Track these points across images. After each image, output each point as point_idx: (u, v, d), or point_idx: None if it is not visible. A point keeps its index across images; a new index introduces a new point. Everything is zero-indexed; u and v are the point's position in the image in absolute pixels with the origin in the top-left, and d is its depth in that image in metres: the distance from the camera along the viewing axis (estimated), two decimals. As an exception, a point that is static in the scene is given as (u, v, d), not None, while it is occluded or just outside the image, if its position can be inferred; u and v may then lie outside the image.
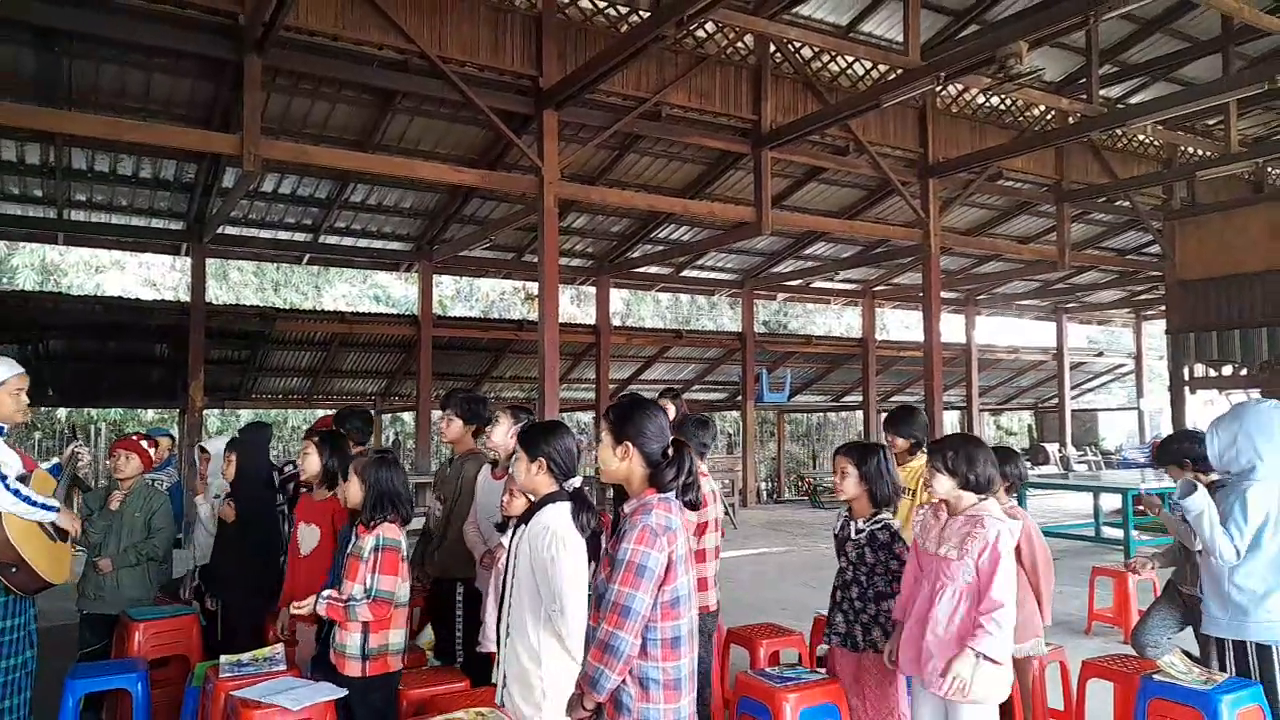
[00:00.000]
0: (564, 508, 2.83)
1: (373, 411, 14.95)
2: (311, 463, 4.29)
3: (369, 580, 3.41)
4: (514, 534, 3.04)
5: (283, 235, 12.09)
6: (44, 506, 3.87)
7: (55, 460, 4.60)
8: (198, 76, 8.32)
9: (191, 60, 7.96)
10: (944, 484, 3.31)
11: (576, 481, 2.92)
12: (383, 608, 3.39)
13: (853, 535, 3.72)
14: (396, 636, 3.46)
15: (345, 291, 22.44)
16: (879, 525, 3.67)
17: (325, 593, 3.43)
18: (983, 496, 3.29)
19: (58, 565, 3.98)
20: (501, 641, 2.96)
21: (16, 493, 3.74)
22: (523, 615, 2.86)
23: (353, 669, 3.35)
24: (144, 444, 5.06)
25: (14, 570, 3.76)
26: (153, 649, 4.43)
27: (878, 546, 3.64)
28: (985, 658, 3.06)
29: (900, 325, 26.34)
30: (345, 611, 3.37)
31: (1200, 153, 12.92)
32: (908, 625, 3.34)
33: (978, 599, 3.16)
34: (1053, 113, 11.85)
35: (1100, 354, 23.11)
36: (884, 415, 5.00)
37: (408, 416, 17.48)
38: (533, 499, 3.06)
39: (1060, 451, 19.14)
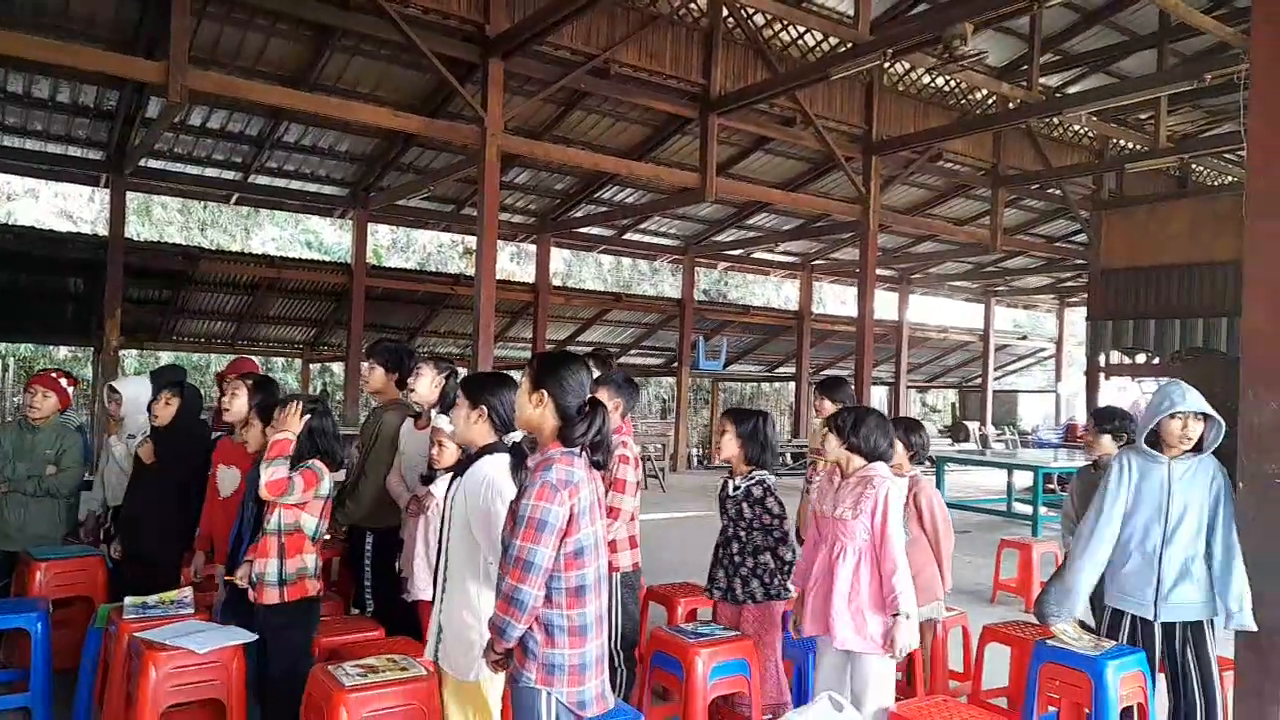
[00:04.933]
0: (502, 459, 2.83)
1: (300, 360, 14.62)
2: (239, 404, 4.20)
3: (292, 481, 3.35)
4: (449, 486, 3.01)
5: (210, 172, 11.61)
6: None
7: None
8: (121, -4, 7.88)
9: (115, -21, 7.53)
10: (832, 444, 3.48)
11: (516, 436, 2.89)
12: (311, 475, 3.36)
13: (730, 492, 3.96)
14: (310, 560, 3.42)
15: (275, 235, 21.73)
16: (753, 481, 3.91)
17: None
18: (872, 462, 3.42)
19: None
20: (437, 595, 2.95)
21: None
22: (460, 568, 2.86)
23: (271, 596, 3.30)
24: (63, 381, 4.83)
25: None
26: (55, 589, 4.28)
27: (753, 501, 3.88)
28: (902, 613, 3.23)
29: (836, 300, 26.74)
30: (287, 485, 3.28)
31: (1130, 146, 13.32)
32: (811, 589, 3.44)
33: (877, 558, 3.29)
34: (994, 97, 12.07)
35: (1024, 337, 23.90)
36: (815, 383, 5.19)
37: (337, 367, 17.14)
38: (468, 450, 3.03)
39: (980, 430, 19.80)
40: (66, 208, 19.77)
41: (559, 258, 21.31)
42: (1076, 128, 13.30)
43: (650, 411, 20.81)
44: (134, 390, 4.95)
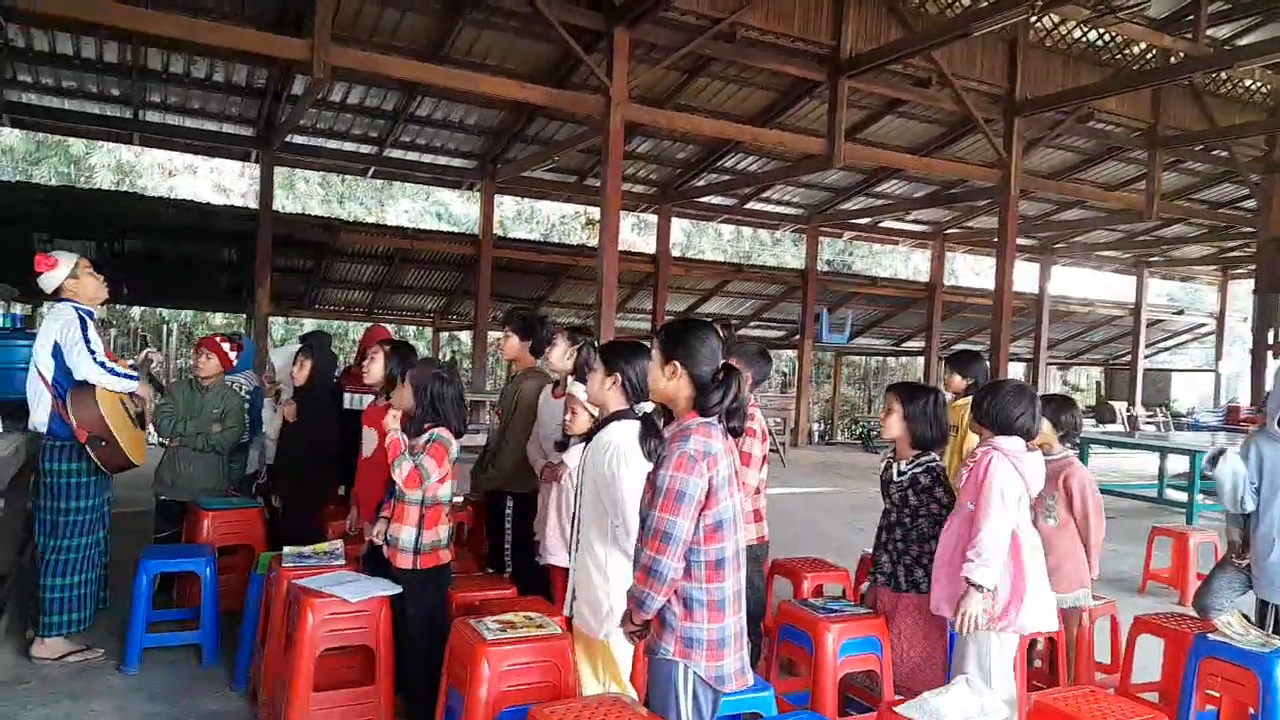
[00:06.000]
0: (630, 425, 2.82)
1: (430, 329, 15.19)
2: (376, 368, 4.41)
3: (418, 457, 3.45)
4: (583, 452, 3.08)
5: (349, 146, 12.15)
6: (126, 376, 4.15)
7: (131, 361, 4.80)
8: (270, -21, 8.30)
9: (264, -38, 7.93)
10: (970, 420, 3.49)
11: (648, 406, 2.89)
12: (440, 449, 3.39)
13: (895, 478, 3.70)
14: (444, 532, 3.55)
15: (408, 207, 22.58)
16: (921, 468, 3.63)
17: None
18: (1001, 434, 3.32)
19: (137, 447, 4.23)
20: (572, 556, 3.04)
21: (102, 364, 4.03)
22: (589, 532, 2.93)
23: (404, 561, 3.44)
24: (225, 345, 5.22)
25: (103, 444, 4.04)
26: (221, 537, 4.63)
27: (920, 490, 3.62)
28: (971, 584, 3.14)
29: (970, 271, 25.58)
30: (419, 474, 3.34)
31: (1312, 101, 12.08)
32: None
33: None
34: (1154, 51, 11.12)
35: (1180, 312, 22.17)
36: (944, 357, 5.03)
37: (465, 335, 17.74)
38: (598, 416, 3.07)
39: (1128, 410, 18.59)
40: (221, 182, 21.14)
41: (679, 228, 21.28)
42: (1248, 83, 12.13)
43: (770, 385, 20.58)
44: (284, 359, 5.30)
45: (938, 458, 3.71)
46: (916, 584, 3.61)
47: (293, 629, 3.26)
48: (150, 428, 4.61)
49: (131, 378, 4.18)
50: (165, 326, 17.75)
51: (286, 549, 3.82)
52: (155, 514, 5.15)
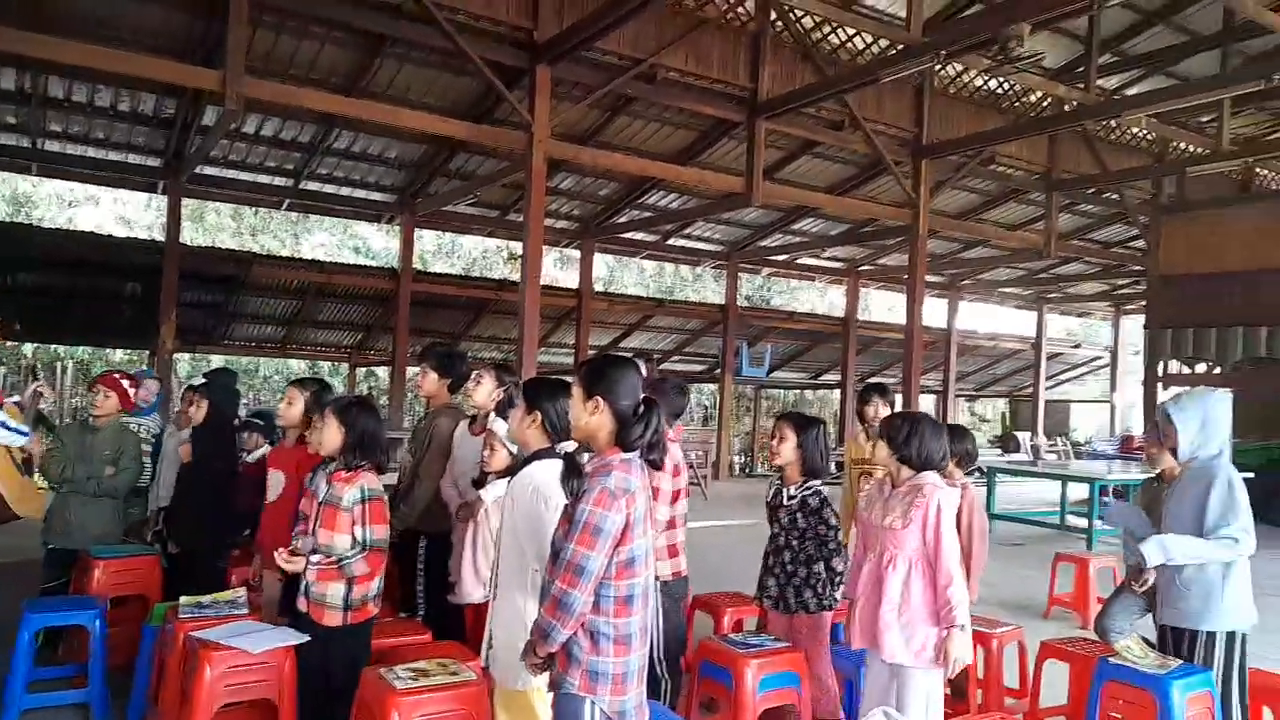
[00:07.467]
0: (551, 465, 2.79)
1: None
2: (294, 411, 4.13)
3: (360, 532, 3.28)
4: (505, 488, 3.01)
5: (263, 179, 11.84)
6: (16, 431, 3.93)
7: (16, 397, 4.50)
8: (180, 7, 8.05)
9: (175, -11, 7.72)
10: (882, 453, 3.37)
11: (570, 446, 2.86)
12: (378, 557, 3.28)
13: (785, 501, 3.88)
14: (376, 584, 3.37)
15: (324, 241, 22.12)
16: (810, 492, 3.83)
17: (315, 557, 3.27)
18: (922, 471, 3.33)
19: (28, 499, 3.95)
20: (491, 602, 2.95)
21: None
22: (510, 576, 2.86)
23: (333, 619, 3.25)
24: (125, 383, 4.94)
25: None
26: (113, 587, 4.37)
27: (809, 512, 3.81)
28: (956, 626, 3.13)
29: (883, 307, 26.40)
30: (340, 571, 3.23)
31: (1192, 149, 12.94)
32: (860, 600, 3.35)
33: (931, 569, 3.19)
34: (1049, 99, 11.81)
35: (1078, 346, 23.34)
36: (864, 383, 5.16)
37: (382, 371, 17.36)
38: (516, 453, 3.00)
39: (1031, 440, 19.36)
40: (124, 213, 20.34)
41: (601, 263, 21.40)
42: (1135, 130, 12.94)
43: (692, 418, 20.72)
44: None
45: (822, 485, 3.89)
46: (805, 605, 3.78)
47: (189, 684, 3.09)
48: (38, 474, 4.32)
49: (23, 433, 3.92)
50: (60, 363, 16.84)
51: (184, 599, 3.63)
52: (43, 563, 4.82)
